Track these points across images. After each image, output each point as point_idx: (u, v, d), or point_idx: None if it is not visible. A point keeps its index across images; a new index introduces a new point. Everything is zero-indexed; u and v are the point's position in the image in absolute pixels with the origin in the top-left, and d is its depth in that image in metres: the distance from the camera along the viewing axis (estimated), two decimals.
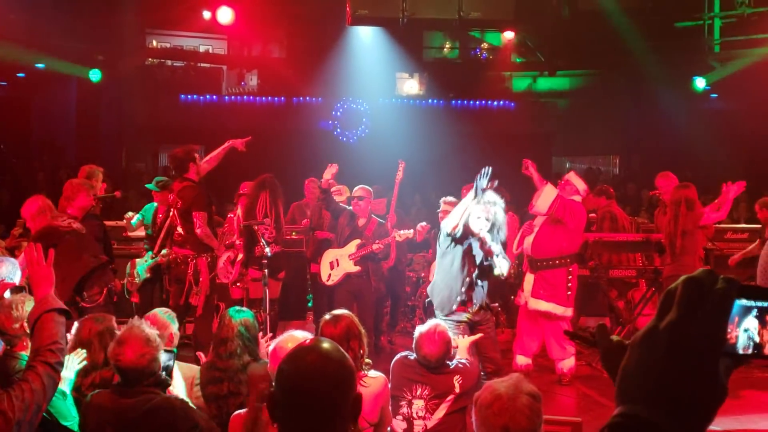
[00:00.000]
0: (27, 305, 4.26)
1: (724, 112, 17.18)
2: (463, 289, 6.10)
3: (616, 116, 17.88)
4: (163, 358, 3.80)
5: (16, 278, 5.97)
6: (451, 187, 9.33)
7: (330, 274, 7.93)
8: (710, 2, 15.52)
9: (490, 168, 5.98)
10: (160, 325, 4.50)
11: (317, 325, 8.31)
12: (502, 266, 6.05)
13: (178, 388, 4.27)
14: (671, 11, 15.89)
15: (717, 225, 8.90)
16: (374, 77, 17.11)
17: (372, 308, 7.90)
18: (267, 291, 7.22)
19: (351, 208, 7.99)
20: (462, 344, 4.93)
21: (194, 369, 4.60)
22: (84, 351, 4.24)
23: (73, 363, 4.16)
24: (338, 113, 17.78)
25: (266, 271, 7.19)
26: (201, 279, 7.33)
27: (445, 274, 6.20)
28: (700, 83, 16.40)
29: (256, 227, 7.46)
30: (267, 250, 7.16)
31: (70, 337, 4.52)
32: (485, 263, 6.06)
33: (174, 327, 4.70)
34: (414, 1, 14.95)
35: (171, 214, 7.56)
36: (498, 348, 6.49)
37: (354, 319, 3.98)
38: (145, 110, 17.64)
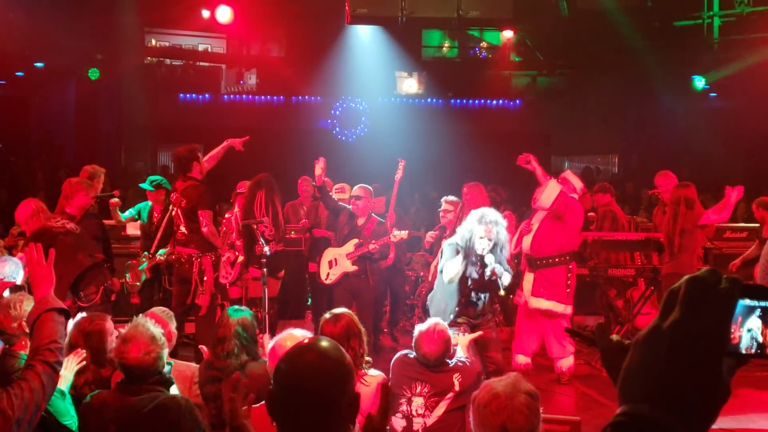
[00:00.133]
0: (26, 304, 4.25)
1: (724, 111, 17.19)
2: (458, 308, 6.19)
3: (615, 115, 17.89)
4: None
5: (19, 278, 5.98)
6: (450, 185, 9.33)
7: (328, 273, 7.93)
8: (709, 1, 15.53)
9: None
10: (160, 323, 4.50)
11: (316, 324, 8.32)
12: (504, 281, 6.15)
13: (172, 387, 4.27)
14: (670, 10, 15.89)
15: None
16: (373, 76, 17.12)
17: (371, 307, 7.89)
18: (266, 290, 7.22)
19: (351, 207, 7.99)
20: (461, 342, 4.94)
21: (193, 367, 4.60)
22: (84, 351, 4.25)
23: (72, 363, 4.16)
24: (337, 112, 17.79)
25: (265, 270, 7.19)
26: (206, 278, 7.30)
27: (444, 288, 6.27)
28: (699, 82, 16.42)
29: (255, 226, 7.46)
30: (266, 249, 7.15)
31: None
32: (488, 279, 6.10)
33: (172, 326, 4.70)
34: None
35: (173, 212, 7.52)
36: (499, 347, 6.50)
37: (354, 318, 3.99)
38: (144, 109, 17.64)
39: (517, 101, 18.32)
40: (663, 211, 8.54)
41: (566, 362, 7.55)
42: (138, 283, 8.35)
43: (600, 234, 8.71)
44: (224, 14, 15.25)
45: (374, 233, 7.74)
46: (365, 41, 17.02)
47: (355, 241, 7.76)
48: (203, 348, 5.09)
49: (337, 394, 1.92)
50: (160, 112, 17.36)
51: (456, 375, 4.45)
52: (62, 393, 4.02)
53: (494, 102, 18.37)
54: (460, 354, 4.81)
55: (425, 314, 7.64)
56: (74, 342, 4.36)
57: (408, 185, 8.87)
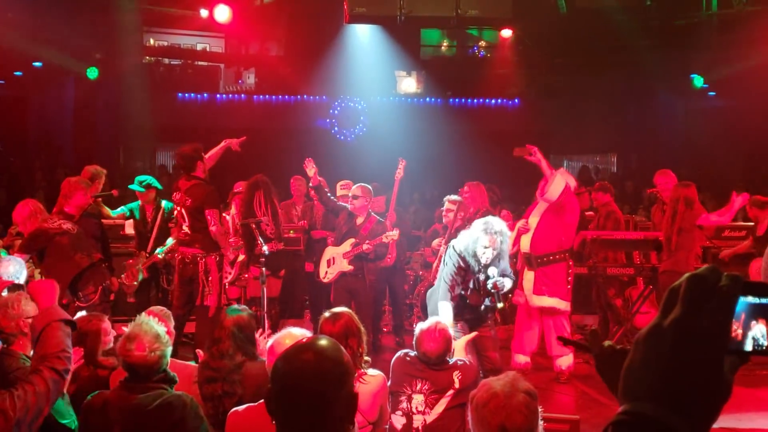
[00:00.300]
0: (24, 303, 4.25)
1: (723, 109, 17.19)
2: (456, 310, 6.22)
3: (615, 114, 17.88)
4: None
5: (22, 277, 5.99)
6: (449, 185, 9.32)
7: (327, 272, 7.93)
8: (708, 0, 15.53)
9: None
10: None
11: (315, 324, 8.32)
12: (506, 288, 6.20)
13: None
14: (670, 9, 15.89)
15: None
16: (372, 76, 17.12)
17: (369, 307, 7.88)
18: (264, 289, 7.21)
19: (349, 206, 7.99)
20: (458, 346, 4.95)
21: (191, 367, 4.59)
22: (80, 350, 4.24)
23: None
24: (336, 112, 17.78)
25: (264, 269, 7.18)
26: (211, 278, 7.27)
27: (444, 291, 6.30)
28: (698, 81, 16.42)
29: (254, 225, 7.45)
30: (265, 248, 7.14)
31: None
32: (488, 291, 6.13)
33: (171, 325, 4.70)
34: None
35: (176, 211, 7.47)
36: (497, 347, 6.51)
37: (353, 317, 3.99)
38: (143, 109, 17.61)
39: (516, 100, 18.32)
40: (662, 209, 8.55)
41: (565, 361, 7.55)
42: (135, 283, 8.35)
43: (599, 233, 8.71)
44: (222, 13, 15.24)
45: (372, 233, 7.74)
46: (364, 40, 17.01)
47: (352, 240, 7.76)
48: (198, 351, 5.09)
49: (335, 393, 1.92)
50: (158, 111, 17.33)
51: (456, 373, 4.46)
52: (61, 393, 4.02)
53: (493, 101, 18.37)
54: (458, 355, 4.81)
55: (424, 313, 7.64)
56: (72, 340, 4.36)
57: (407, 185, 8.87)
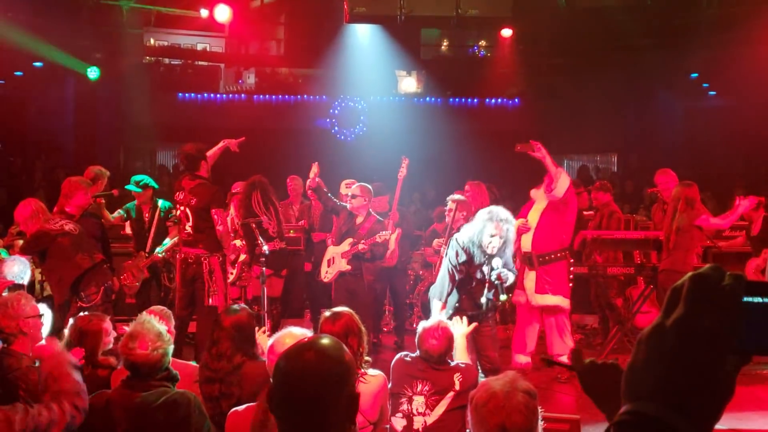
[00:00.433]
0: (24, 303, 4.26)
1: (723, 109, 17.18)
2: (457, 304, 6.20)
3: (615, 114, 17.87)
4: None
5: (26, 277, 6.00)
6: (450, 184, 9.31)
7: (326, 272, 7.94)
8: None
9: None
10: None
11: (315, 323, 8.31)
12: (509, 282, 6.17)
13: None
14: (669, 7, 15.88)
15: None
16: (372, 75, 17.11)
17: (368, 307, 7.82)
18: (265, 288, 7.20)
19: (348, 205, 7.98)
20: (459, 346, 4.94)
21: (191, 366, 4.59)
22: (81, 350, 4.25)
23: None
24: (336, 111, 17.78)
25: (263, 268, 7.17)
26: (215, 278, 7.24)
27: (438, 289, 6.30)
28: (699, 81, 16.41)
29: (254, 225, 7.45)
30: (265, 248, 7.14)
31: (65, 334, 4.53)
32: (492, 283, 6.09)
33: (171, 324, 4.71)
34: None
35: (178, 211, 7.42)
36: (497, 346, 6.50)
37: (353, 317, 3.99)
38: (143, 108, 17.61)
39: (516, 100, 18.31)
40: (663, 209, 8.56)
41: (566, 360, 7.54)
42: (137, 284, 8.34)
43: (599, 232, 8.72)
44: (223, 13, 15.24)
45: (370, 232, 7.73)
46: (364, 40, 17.01)
47: (350, 239, 7.76)
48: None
49: (336, 392, 1.92)
50: (158, 111, 17.32)
51: (457, 375, 4.46)
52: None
53: (493, 100, 18.35)
54: (460, 356, 4.82)
55: (424, 313, 7.64)
56: (71, 340, 4.37)
57: (407, 184, 8.86)
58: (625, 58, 16.60)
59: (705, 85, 16.57)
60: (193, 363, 4.86)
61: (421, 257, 9.69)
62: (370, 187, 7.98)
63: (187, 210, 7.27)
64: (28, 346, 4.24)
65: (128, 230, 9.13)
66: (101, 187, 8.21)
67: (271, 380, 1.99)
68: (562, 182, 7.32)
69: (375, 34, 16.89)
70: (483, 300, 6.23)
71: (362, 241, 7.63)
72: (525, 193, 8.02)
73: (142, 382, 3.57)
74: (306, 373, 1.91)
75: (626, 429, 0.99)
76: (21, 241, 8.74)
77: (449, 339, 4.55)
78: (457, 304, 6.21)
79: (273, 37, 18.22)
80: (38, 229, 6.72)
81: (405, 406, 4.41)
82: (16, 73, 16.41)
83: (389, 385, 4.25)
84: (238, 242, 7.93)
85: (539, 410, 2.59)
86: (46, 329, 4.52)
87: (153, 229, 8.47)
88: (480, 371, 6.08)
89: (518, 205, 9.68)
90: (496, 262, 6.04)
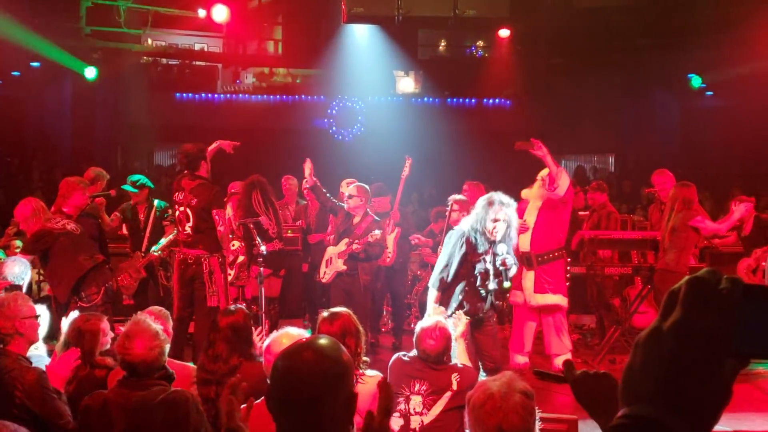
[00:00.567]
0: (20, 304, 4.25)
1: (720, 109, 17.20)
2: (461, 296, 6.11)
3: (612, 114, 17.89)
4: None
5: (27, 278, 5.99)
6: (448, 185, 9.32)
7: (325, 272, 7.93)
8: None
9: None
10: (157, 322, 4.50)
11: (313, 323, 8.30)
12: (511, 273, 6.11)
13: None
14: (667, 8, 15.90)
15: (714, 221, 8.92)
16: (370, 75, 17.11)
17: (365, 307, 7.81)
18: (262, 289, 7.19)
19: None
20: (459, 349, 4.94)
21: (189, 368, 4.58)
22: (77, 350, 4.24)
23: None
24: (334, 111, 17.78)
25: (261, 269, 7.16)
26: (215, 279, 7.22)
27: (434, 277, 6.25)
28: (696, 81, 16.42)
29: (251, 225, 7.43)
30: (262, 248, 7.13)
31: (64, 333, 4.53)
32: (497, 270, 6.04)
33: (169, 325, 4.70)
34: None
35: (178, 211, 7.37)
36: (498, 346, 6.47)
37: (351, 317, 3.99)
38: (140, 109, 17.60)
39: (514, 100, 18.32)
40: (660, 209, 8.57)
41: (564, 360, 7.51)
42: (135, 284, 8.32)
43: (597, 232, 8.73)
44: (220, 13, 15.23)
45: (366, 232, 7.72)
46: (362, 40, 17.01)
47: (347, 239, 7.75)
48: None
49: (333, 392, 1.92)
50: (156, 111, 17.31)
51: (455, 375, 4.46)
52: (58, 393, 4.02)
53: (491, 101, 18.36)
54: (461, 359, 4.82)
55: (422, 313, 7.62)
56: (69, 340, 4.36)
57: (406, 184, 8.85)
58: (623, 59, 16.62)
59: (702, 85, 16.57)
60: (191, 364, 4.86)
61: (419, 257, 9.68)
62: (367, 187, 7.97)
63: (188, 210, 7.22)
64: (25, 346, 4.23)
65: (125, 230, 9.13)
66: (100, 188, 8.21)
67: (269, 380, 1.99)
68: (564, 181, 7.32)
69: (373, 34, 16.89)
70: (489, 287, 6.11)
71: (356, 241, 7.62)
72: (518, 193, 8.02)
73: (139, 381, 3.57)
74: (304, 373, 1.91)
75: None
76: (18, 242, 8.74)
77: (447, 339, 4.55)
78: (460, 296, 6.09)
79: (271, 37, 18.22)
80: (40, 228, 6.69)
81: (402, 406, 4.41)
82: (13, 73, 16.39)
83: None
84: (236, 243, 7.91)
85: (536, 411, 2.59)
86: (43, 330, 4.51)
87: (149, 229, 8.46)
88: (482, 371, 6.07)
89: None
90: (501, 248, 5.99)
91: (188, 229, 7.21)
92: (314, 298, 9.27)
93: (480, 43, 18.46)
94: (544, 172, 7.52)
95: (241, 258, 7.98)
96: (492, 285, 6.10)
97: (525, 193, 7.64)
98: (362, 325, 4.16)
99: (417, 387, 4.43)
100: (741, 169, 16.40)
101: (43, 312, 4.54)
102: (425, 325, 4.59)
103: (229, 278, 7.81)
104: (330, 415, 1.92)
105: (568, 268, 7.68)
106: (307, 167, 7.74)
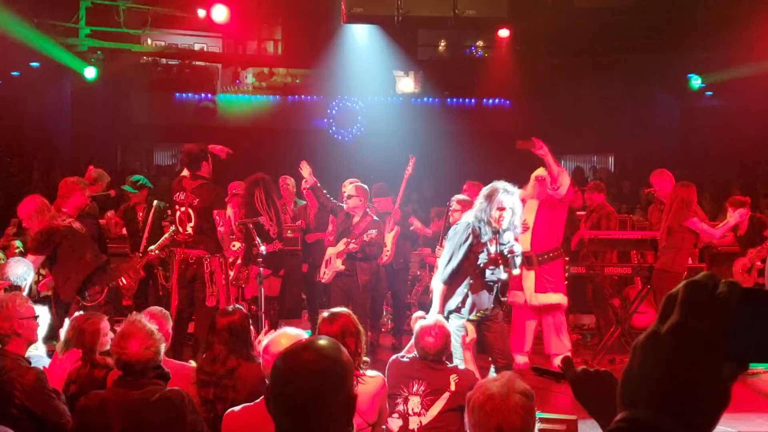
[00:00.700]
0: (19, 304, 4.25)
1: (720, 109, 17.21)
2: (466, 290, 6.04)
3: (612, 114, 17.90)
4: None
5: (30, 279, 5.99)
6: (447, 185, 9.32)
7: (324, 272, 7.94)
8: (706, 0, 15.55)
9: None
10: (157, 322, 4.49)
11: (312, 324, 8.30)
12: (518, 260, 6.07)
13: None
14: (667, 9, 15.90)
15: (711, 222, 8.92)
16: (369, 75, 17.10)
17: (364, 306, 7.81)
18: (262, 289, 7.19)
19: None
20: (467, 358, 4.93)
21: (188, 368, 4.58)
22: (78, 351, 4.25)
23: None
24: (334, 111, 17.77)
25: (261, 269, 7.16)
26: (215, 279, 7.20)
27: (441, 271, 6.17)
28: (695, 82, 16.43)
29: (251, 225, 7.42)
30: (262, 248, 7.12)
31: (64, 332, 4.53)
32: (504, 258, 6.01)
33: (168, 325, 4.70)
34: None
35: (179, 211, 7.35)
36: (507, 341, 6.46)
37: (351, 317, 3.98)
38: (140, 108, 17.61)
39: (513, 100, 18.32)
40: (659, 209, 8.57)
41: (563, 356, 7.51)
42: (134, 285, 8.31)
43: (596, 232, 8.73)
44: (220, 13, 15.23)
45: (363, 232, 7.72)
46: (361, 40, 17.00)
47: (345, 239, 7.75)
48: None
49: (333, 393, 1.92)
50: (156, 111, 17.32)
51: (453, 375, 4.45)
52: (56, 393, 4.02)
53: (490, 101, 18.37)
54: (463, 356, 4.82)
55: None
56: (69, 338, 4.36)
57: (407, 184, 8.86)
58: (623, 59, 16.62)
59: (702, 85, 16.58)
60: (191, 363, 4.86)
61: (419, 257, 9.68)
62: (366, 187, 7.98)
63: (189, 210, 7.20)
64: (23, 347, 4.23)
65: (124, 231, 9.13)
66: (100, 189, 8.21)
67: (268, 381, 1.99)
68: (565, 180, 7.33)
69: (372, 34, 16.88)
70: (496, 277, 6.06)
71: (352, 240, 7.62)
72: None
73: (135, 381, 3.58)
74: (303, 374, 1.91)
75: None
76: (18, 242, 8.74)
77: (446, 337, 4.55)
78: (465, 290, 6.03)
79: (270, 37, 18.21)
80: (46, 227, 6.67)
81: (401, 407, 4.41)
82: (12, 73, 16.39)
83: None
84: (237, 244, 7.90)
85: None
86: (42, 331, 4.51)
87: (147, 230, 8.45)
88: (493, 369, 6.05)
89: None
90: (508, 236, 5.98)
91: (189, 230, 7.19)
92: (314, 298, 9.27)
93: (480, 43, 18.46)
94: (538, 171, 7.53)
95: (240, 260, 7.97)
96: (499, 274, 6.06)
97: (521, 193, 7.64)
98: (361, 324, 4.15)
99: (415, 387, 4.42)
100: (740, 169, 16.40)
101: (43, 313, 4.54)
102: (425, 323, 4.60)
103: (230, 279, 7.82)
104: (330, 415, 1.92)
105: (567, 267, 7.68)
106: (305, 169, 7.74)
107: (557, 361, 7.52)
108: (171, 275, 7.87)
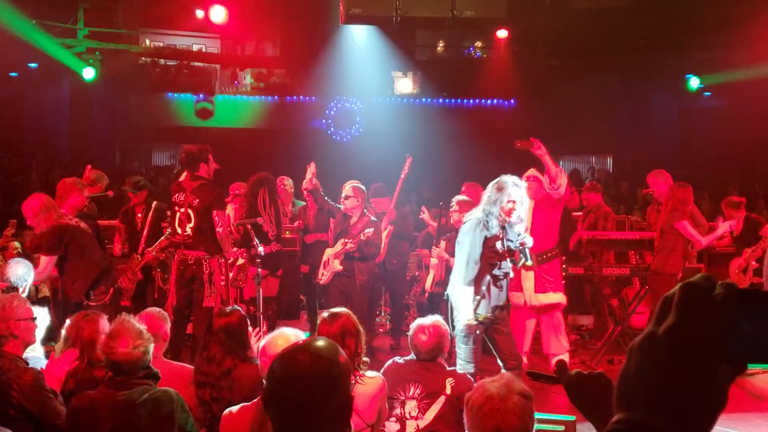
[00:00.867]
0: (16, 305, 4.24)
1: (718, 110, 17.22)
2: (483, 288, 6.02)
3: (610, 115, 17.91)
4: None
5: (30, 280, 5.98)
6: (446, 185, 9.31)
7: (322, 273, 7.93)
8: (704, 0, 15.55)
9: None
10: (155, 323, 4.49)
11: (311, 324, 8.29)
12: (529, 243, 6.07)
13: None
14: (665, 9, 15.91)
15: (710, 223, 8.93)
16: (368, 76, 17.10)
17: (362, 307, 7.80)
18: (260, 289, 7.18)
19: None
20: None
21: (186, 369, 4.58)
22: (77, 351, 4.24)
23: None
24: (332, 112, 17.77)
25: (259, 270, 7.15)
26: (214, 280, 7.18)
27: (464, 272, 6.06)
28: (693, 82, 16.44)
29: (249, 226, 7.41)
30: (260, 249, 7.11)
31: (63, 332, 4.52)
32: (515, 250, 6.01)
33: (167, 326, 4.70)
34: None
35: (179, 212, 7.32)
36: (515, 343, 6.45)
37: (351, 318, 3.98)
38: (138, 109, 17.59)
39: (512, 101, 18.32)
40: (657, 210, 8.58)
41: (557, 360, 7.51)
42: (132, 286, 8.30)
43: (594, 233, 8.74)
44: (218, 14, 15.22)
45: (361, 232, 7.71)
46: (360, 41, 17.00)
47: (343, 240, 7.75)
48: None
49: (330, 395, 1.92)
50: (154, 112, 17.31)
51: (449, 379, 4.43)
52: (54, 393, 4.02)
53: (489, 101, 18.37)
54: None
55: (421, 314, 7.61)
56: (69, 335, 4.35)
57: (404, 185, 8.87)
58: (621, 60, 16.63)
59: (700, 86, 16.59)
60: (188, 365, 4.85)
61: (417, 258, 9.67)
62: (363, 187, 7.99)
63: (189, 211, 7.17)
64: (20, 348, 4.22)
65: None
66: (99, 190, 8.20)
67: (265, 382, 1.99)
68: (563, 180, 7.34)
69: (371, 35, 16.88)
70: (503, 272, 6.04)
71: (350, 241, 7.61)
72: None
73: (124, 381, 3.59)
74: (300, 376, 1.91)
75: None
76: (17, 243, 8.72)
77: (440, 336, 4.52)
78: (483, 287, 5.98)
79: (269, 38, 18.20)
80: (57, 225, 6.64)
81: (398, 410, 4.39)
82: (11, 74, 16.37)
83: None
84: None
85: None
86: (40, 332, 4.50)
87: (146, 231, 8.43)
88: (504, 371, 6.04)
89: None
90: (519, 228, 5.97)
91: (189, 230, 7.17)
92: (314, 299, 9.27)
93: (478, 43, 18.45)
94: (530, 171, 7.54)
95: (241, 261, 7.96)
96: (507, 268, 6.06)
97: None
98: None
99: (412, 391, 4.40)
100: (738, 169, 16.41)
101: (42, 314, 4.53)
102: (421, 322, 4.59)
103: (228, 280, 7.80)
104: (327, 417, 1.92)
105: (565, 267, 7.68)
106: (309, 170, 7.74)
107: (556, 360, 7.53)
108: (169, 277, 7.85)
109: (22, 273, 5.84)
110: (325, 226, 8.52)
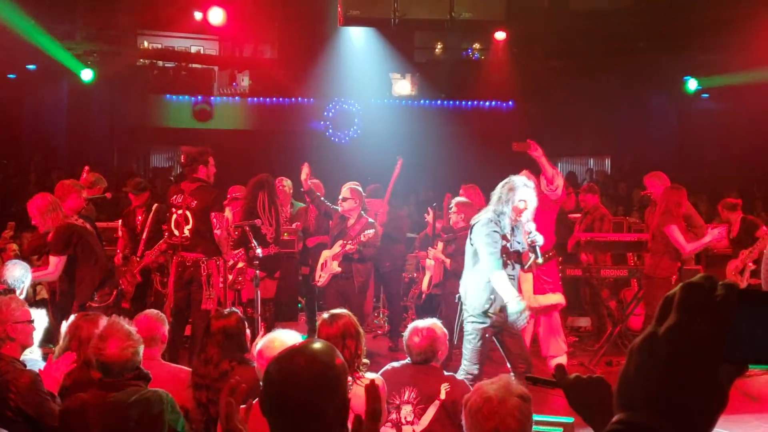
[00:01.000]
0: (14, 308, 4.23)
1: (716, 112, 17.23)
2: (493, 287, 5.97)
3: (608, 117, 17.91)
4: None
5: (27, 281, 5.97)
6: (444, 187, 9.30)
7: (320, 275, 7.93)
8: (703, 3, 15.55)
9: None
10: (153, 325, 4.49)
11: (310, 326, 8.28)
12: (538, 243, 6.04)
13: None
14: (664, 11, 15.92)
15: (707, 225, 8.93)
16: (366, 78, 17.11)
17: (360, 308, 7.78)
18: (258, 291, 7.17)
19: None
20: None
21: (184, 371, 4.57)
22: (74, 354, 4.23)
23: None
24: (330, 114, 17.77)
25: (257, 271, 7.14)
26: (212, 282, 7.18)
27: (478, 274, 6.02)
28: (692, 84, 16.45)
29: (247, 228, 7.40)
30: (258, 251, 7.10)
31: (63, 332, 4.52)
32: (527, 249, 6.00)
33: (165, 328, 4.69)
34: (405, 1, 14.93)
35: (177, 214, 7.30)
36: (525, 345, 6.43)
37: (352, 319, 3.97)
38: (137, 111, 17.59)
39: (510, 103, 18.33)
40: (654, 211, 8.57)
41: (560, 361, 7.52)
42: (131, 288, 8.29)
43: (593, 235, 8.74)
44: (216, 16, 15.22)
45: (360, 233, 7.71)
46: (358, 43, 17.00)
47: (341, 242, 7.75)
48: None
49: (327, 397, 1.92)
50: (152, 113, 17.30)
51: (444, 384, 4.41)
52: (52, 395, 4.01)
53: (487, 103, 18.38)
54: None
55: (419, 316, 7.61)
56: (68, 335, 4.35)
57: (402, 187, 8.87)
58: (619, 61, 16.63)
59: (699, 87, 16.60)
60: (186, 367, 4.84)
61: (415, 260, 9.67)
62: (360, 189, 7.98)
63: (187, 213, 7.16)
64: (18, 350, 4.22)
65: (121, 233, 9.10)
66: (97, 192, 8.19)
67: (262, 385, 1.99)
68: (560, 182, 7.34)
69: (369, 36, 16.88)
70: (515, 274, 6.04)
71: (349, 242, 7.61)
72: None
73: (114, 382, 3.59)
74: (296, 378, 1.91)
75: None
76: (15, 245, 8.71)
77: (433, 340, 4.49)
78: (492, 296, 5.93)
79: (267, 39, 18.21)
80: (65, 225, 6.63)
81: (393, 415, 4.38)
82: (9, 75, 16.36)
83: None
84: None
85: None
86: (38, 334, 4.49)
87: (146, 233, 8.42)
88: (514, 375, 6.01)
89: None
90: (531, 226, 5.97)
91: (187, 232, 7.16)
92: (313, 301, 9.26)
93: (476, 45, 18.46)
94: (523, 173, 7.54)
95: (241, 264, 7.95)
96: (524, 263, 6.06)
97: None
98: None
99: (407, 395, 4.38)
100: (736, 171, 16.42)
101: (39, 316, 4.52)
102: (418, 323, 4.58)
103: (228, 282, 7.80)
104: (323, 419, 1.92)
105: (561, 267, 7.68)
106: (304, 171, 7.75)
107: (553, 364, 7.52)
108: (168, 280, 7.84)
109: (19, 275, 5.83)
110: (326, 228, 8.52)
